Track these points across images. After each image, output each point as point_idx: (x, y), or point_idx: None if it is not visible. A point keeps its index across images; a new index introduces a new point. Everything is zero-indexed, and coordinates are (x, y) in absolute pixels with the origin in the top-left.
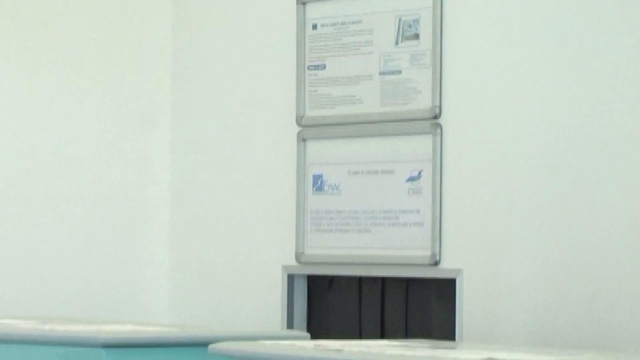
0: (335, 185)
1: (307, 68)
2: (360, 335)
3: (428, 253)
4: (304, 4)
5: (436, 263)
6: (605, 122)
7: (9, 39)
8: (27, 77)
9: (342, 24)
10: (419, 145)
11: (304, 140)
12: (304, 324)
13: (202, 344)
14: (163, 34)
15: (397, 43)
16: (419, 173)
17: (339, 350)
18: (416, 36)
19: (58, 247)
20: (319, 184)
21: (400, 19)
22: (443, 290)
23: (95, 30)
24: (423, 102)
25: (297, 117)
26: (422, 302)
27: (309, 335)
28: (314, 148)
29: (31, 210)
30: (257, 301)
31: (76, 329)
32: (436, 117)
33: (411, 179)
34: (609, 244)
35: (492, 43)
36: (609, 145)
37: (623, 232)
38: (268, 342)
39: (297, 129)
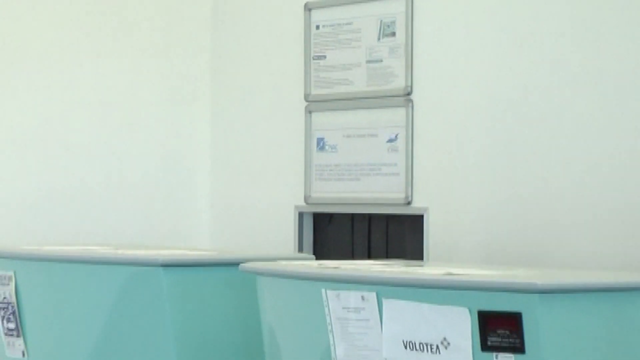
0: (333, 145)
1: (312, 58)
2: (352, 257)
3: (402, 195)
4: (309, 10)
5: (409, 203)
6: (537, 95)
7: (92, 33)
8: (104, 62)
9: (338, 25)
10: (396, 115)
11: (310, 112)
12: (311, 249)
13: (235, 264)
14: (203, 31)
15: (379, 39)
16: (396, 136)
17: (336, 267)
18: (393, 34)
19: (124, 189)
20: (321, 144)
21: (381, 21)
22: (414, 223)
23: (150, 22)
24: (398, 83)
25: (305, 95)
26: (398, 233)
27: (314, 257)
28: (318, 118)
29: (105, 162)
30: (275, 232)
31: (141, 253)
32: (408, 94)
33: (390, 140)
34: (542, 189)
35: (449, 40)
36: (541, 115)
37: (553, 178)
38: (284, 262)
39: (305, 103)
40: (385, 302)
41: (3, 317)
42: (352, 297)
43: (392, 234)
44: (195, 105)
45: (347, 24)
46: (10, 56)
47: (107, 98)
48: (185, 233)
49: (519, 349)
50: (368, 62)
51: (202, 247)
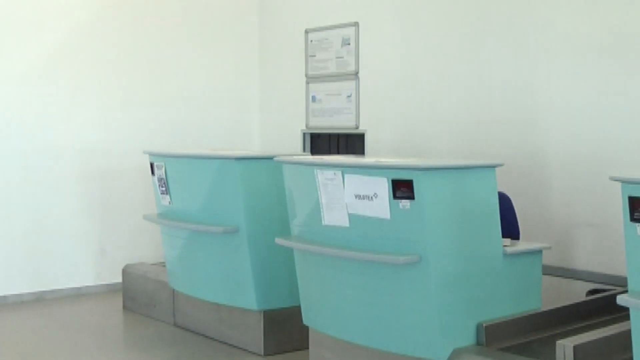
0: (319, 99)
1: (309, 56)
2: (329, 154)
3: (354, 124)
4: (307, 32)
5: (357, 128)
6: (424, 69)
7: (190, 36)
8: (200, 52)
9: (321, 40)
10: (350, 84)
11: (308, 82)
12: (309, 151)
13: (272, 157)
14: (253, 39)
15: (341, 47)
16: (351, 94)
17: (321, 159)
18: (349, 44)
19: (215, 121)
20: (314, 99)
21: (342, 38)
22: (360, 138)
23: (231, 32)
24: (351, 69)
25: (305, 74)
26: (352, 144)
27: (310, 154)
28: (312, 85)
29: (205, 106)
30: (291, 142)
31: (224, 152)
32: (357, 73)
33: (348, 96)
34: (426, 118)
35: (377, 48)
36: (423, 79)
37: (432, 111)
38: (295, 156)
39: (305, 78)
40: (346, 176)
41: (159, 185)
42: (329, 173)
43: (349, 143)
44: (250, 76)
45: (326, 39)
46: (153, 49)
47: (200, 70)
48: (246, 142)
49: (412, 197)
50: (336, 58)
51: (255, 150)
